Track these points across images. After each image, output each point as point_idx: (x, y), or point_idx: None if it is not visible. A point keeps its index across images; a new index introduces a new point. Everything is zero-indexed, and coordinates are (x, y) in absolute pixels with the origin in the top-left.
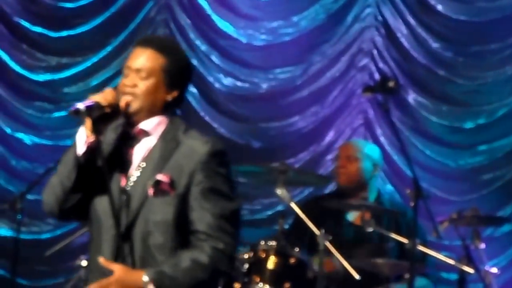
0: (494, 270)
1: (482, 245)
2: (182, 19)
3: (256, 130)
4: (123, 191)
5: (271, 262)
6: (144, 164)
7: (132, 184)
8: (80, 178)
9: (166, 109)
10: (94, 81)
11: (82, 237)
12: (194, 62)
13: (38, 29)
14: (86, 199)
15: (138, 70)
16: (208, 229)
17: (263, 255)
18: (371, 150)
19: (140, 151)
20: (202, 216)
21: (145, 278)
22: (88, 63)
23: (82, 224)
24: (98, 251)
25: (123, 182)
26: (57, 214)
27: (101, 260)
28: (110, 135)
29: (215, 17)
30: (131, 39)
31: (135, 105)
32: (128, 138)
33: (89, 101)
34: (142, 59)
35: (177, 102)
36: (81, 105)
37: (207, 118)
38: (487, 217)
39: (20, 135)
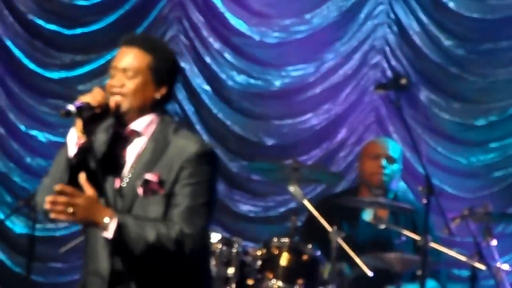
0: (506, 266)
1: (494, 242)
2: (195, 17)
3: (269, 128)
4: (117, 191)
5: (284, 259)
6: (135, 165)
7: (125, 184)
8: (73, 179)
9: (155, 106)
10: (108, 79)
11: None
12: (207, 59)
13: (52, 27)
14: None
15: (124, 70)
16: (178, 218)
17: (276, 252)
18: (400, 151)
19: (132, 152)
20: (175, 209)
21: (107, 219)
22: (102, 61)
23: None
24: (94, 253)
25: (117, 183)
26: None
27: (80, 177)
28: (101, 136)
29: (228, 15)
30: None
31: (125, 105)
32: (120, 139)
33: (79, 102)
34: (128, 59)
35: (166, 99)
36: (71, 107)
37: (220, 116)
38: (498, 213)
39: (34, 132)
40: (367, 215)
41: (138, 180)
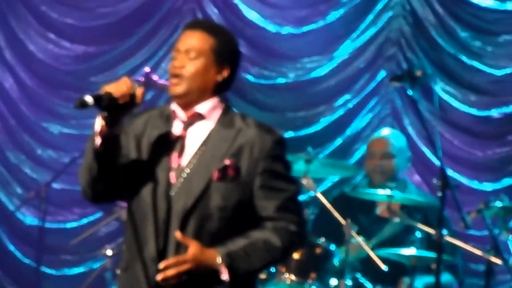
0: None
1: (510, 236)
2: (209, 9)
3: (282, 120)
4: (174, 173)
5: (297, 252)
6: (204, 148)
7: (191, 167)
8: (105, 167)
9: (217, 90)
10: (121, 70)
11: (107, 227)
12: None
13: (65, 19)
14: (120, 182)
15: (187, 51)
16: (277, 213)
17: None
18: (404, 143)
19: (195, 135)
20: (269, 202)
21: (219, 259)
22: (115, 52)
23: (107, 213)
24: (142, 238)
25: (175, 165)
26: (91, 197)
27: (177, 234)
28: (156, 120)
29: (242, 6)
30: (158, 28)
31: (181, 87)
32: (179, 121)
33: (99, 92)
34: (191, 40)
35: (228, 83)
36: (88, 97)
37: (234, 108)
38: None
39: (46, 124)
40: (380, 209)
41: (213, 164)
